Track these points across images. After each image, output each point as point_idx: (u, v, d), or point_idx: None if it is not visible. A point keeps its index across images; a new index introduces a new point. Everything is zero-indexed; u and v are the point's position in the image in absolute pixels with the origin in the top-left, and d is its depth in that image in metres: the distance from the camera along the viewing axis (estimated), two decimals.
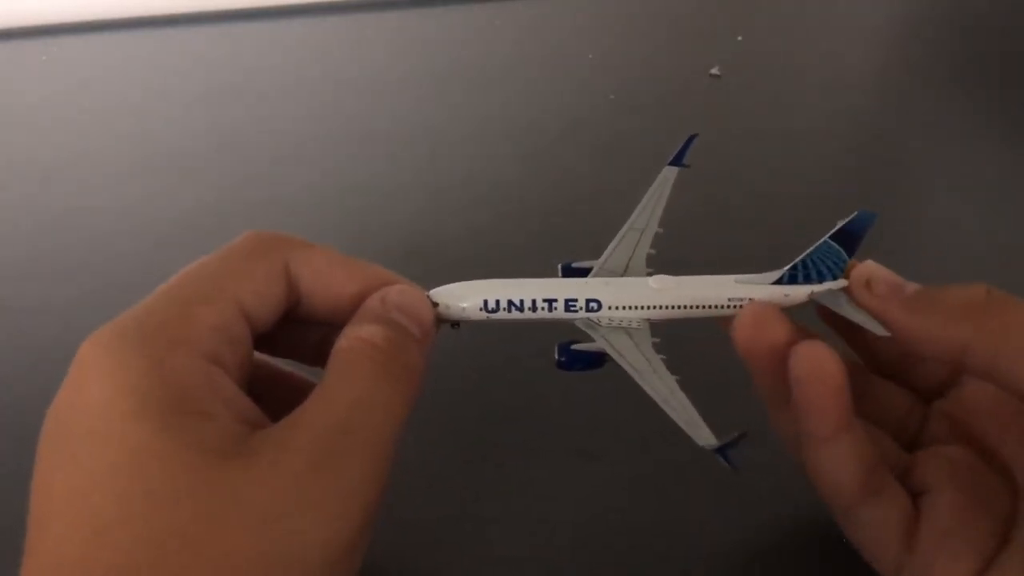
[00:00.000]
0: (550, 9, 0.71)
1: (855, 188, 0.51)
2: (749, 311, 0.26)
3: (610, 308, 0.28)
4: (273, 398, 0.23)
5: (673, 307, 0.29)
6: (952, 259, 0.44)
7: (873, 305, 0.27)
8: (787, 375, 0.25)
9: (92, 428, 0.20)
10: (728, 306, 0.28)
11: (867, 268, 0.27)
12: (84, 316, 0.22)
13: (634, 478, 0.34)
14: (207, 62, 0.66)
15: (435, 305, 0.28)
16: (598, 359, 0.28)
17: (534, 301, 0.28)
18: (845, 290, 0.28)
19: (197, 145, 0.56)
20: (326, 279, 0.26)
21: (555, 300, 0.28)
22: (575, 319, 0.29)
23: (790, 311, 0.28)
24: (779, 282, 0.29)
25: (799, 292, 0.28)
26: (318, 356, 0.24)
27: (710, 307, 0.29)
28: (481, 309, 0.28)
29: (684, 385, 0.27)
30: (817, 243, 0.28)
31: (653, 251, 0.30)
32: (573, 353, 0.28)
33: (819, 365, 0.24)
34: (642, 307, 0.28)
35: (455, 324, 0.29)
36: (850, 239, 0.27)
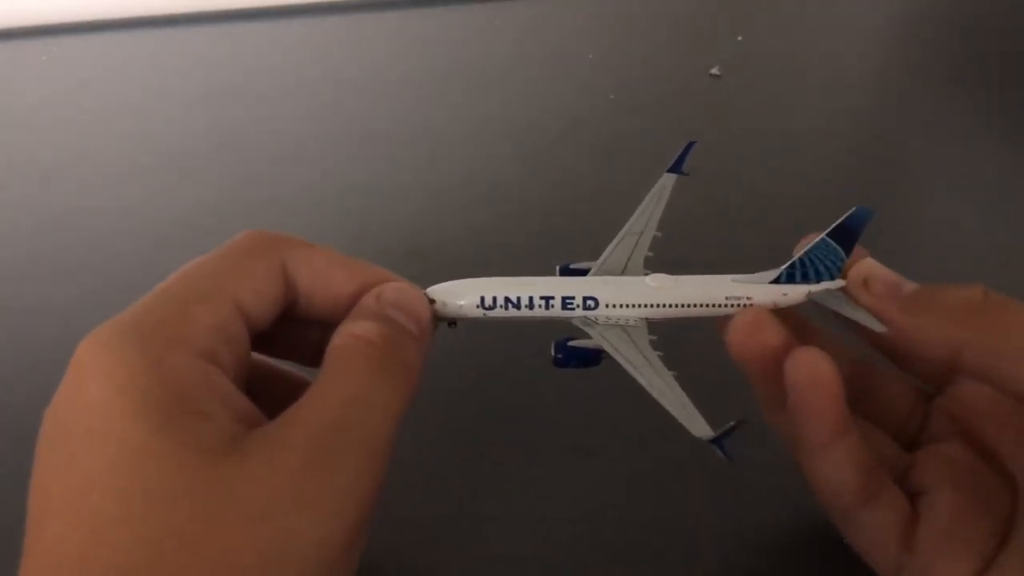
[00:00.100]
0: (550, 9, 0.71)
1: (855, 188, 0.51)
2: (744, 317, 0.26)
3: (607, 306, 0.28)
4: (272, 398, 0.23)
5: (670, 305, 0.29)
6: (952, 259, 0.44)
7: (870, 304, 0.27)
8: (783, 380, 0.25)
9: (91, 427, 0.20)
10: (726, 305, 0.28)
11: (865, 267, 0.27)
12: (84, 316, 0.22)
13: (632, 475, 0.34)
14: (207, 62, 0.66)
15: (432, 302, 0.28)
16: (595, 356, 0.28)
17: (531, 298, 0.28)
18: (843, 289, 0.28)
19: (197, 145, 0.56)
20: (324, 278, 0.26)
21: (552, 297, 0.28)
22: (572, 317, 0.29)
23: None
24: (777, 281, 0.29)
25: (797, 291, 0.28)
26: (317, 356, 0.24)
27: (708, 306, 0.29)
28: (478, 306, 0.28)
29: (682, 384, 0.27)
30: (814, 241, 0.28)
31: (651, 254, 0.30)
32: (570, 350, 0.28)
33: (815, 373, 0.24)
34: (639, 305, 0.28)
35: (452, 323, 0.29)
36: (847, 236, 0.27)
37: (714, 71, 0.61)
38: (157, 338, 0.22)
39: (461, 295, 0.28)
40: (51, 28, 0.70)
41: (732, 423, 0.24)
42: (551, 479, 0.34)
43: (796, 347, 0.25)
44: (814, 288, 0.28)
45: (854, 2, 0.72)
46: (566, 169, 0.53)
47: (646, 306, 0.28)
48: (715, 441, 0.25)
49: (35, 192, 0.53)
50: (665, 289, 0.29)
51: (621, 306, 0.28)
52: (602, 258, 0.30)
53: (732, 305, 0.28)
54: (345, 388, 0.23)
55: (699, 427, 0.25)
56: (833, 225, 0.27)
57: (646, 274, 0.30)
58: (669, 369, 0.27)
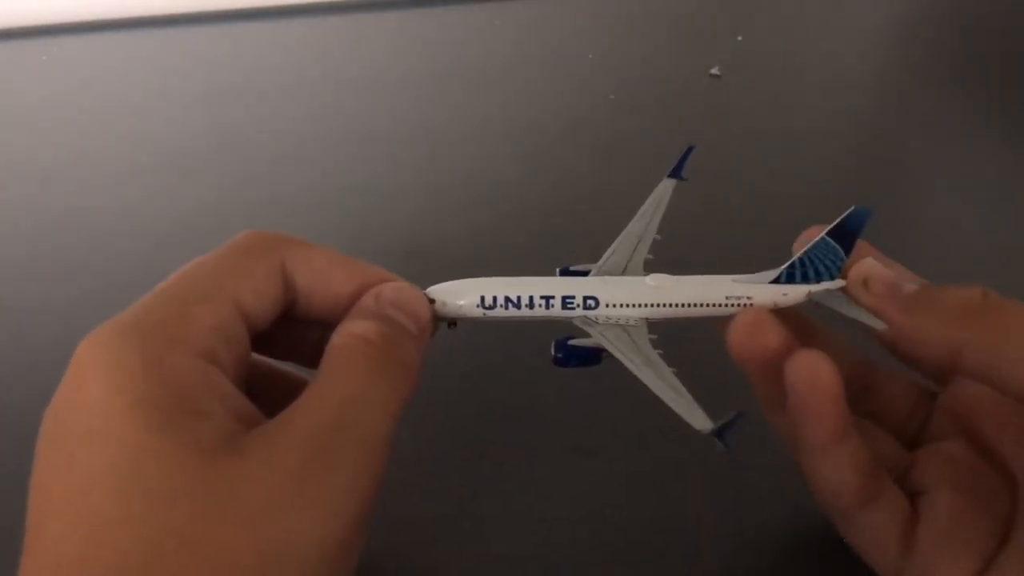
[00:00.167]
0: (550, 9, 0.71)
1: (855, 188, 0.51)
2: (743, 317, 0.26)
3: (608, 306, 0.28)
4: (272, 398, 0.23)
5: (670, 305, 0.29)
6: (952, 259, 0.44)
7: (870, 305, 0.27)
8: (783, 380, 0.25)
9: (90, 427, 0.20)
10: (726, 304, 0.28)
11: (864, 267, 0.27)
12: (84, 316, 0.22)
13: (631, 475, 0.34)
14: (207, 62, 0.66)
15: (432, 302, 0.28)
16: (595, 355, 0.28)
17: (531, 298, 0.28)
18: (843, 289, 0.28)
19: (197, 145, 0.56)
20: (323, 278, 0.26)
21: (552, 297, 0.28)
22: (572, 317, 0.28)
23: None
24: (777, 281, 0.29)
25: (797, 292, 0.28)
26: (317, 357, 0.24)
27: (708, 306, 0.29)
28: (478, 306, 0.28)
29: (683, 381, 0.27)
30: (814, 240, 0.28)
31: (651, 256, 0.30)
32: (570, 349, 0.28)
33: (815, 375, 0.24)
34: (639, 305, 0.28)
35: (452, 324, 0.29)
36: (847, 236, 0.27)
37: (714, 71, 0.61)
38: (157, 338, 0.22)
39: (461, 295, 0.28)
40: (51, 28, 0.69)
41: (733, 414, 0.24)
42: (551, 479, 0.34)
43: (797, 349, 0.25)
44: (814, 288, 0.28)
45: (854, 2, 0.72)
46: (566, 169, 0.53)
47: (646, 306, 0.28)
48: (716, 434, 0.25)
49: (35, 192, 0.53)
50: (665, 289, 0.29)
51: (621, 306, 0.28)
52: (602, 260, 0.30)
53: (732, 305, 0.28)
54: (344, 387, 0.23)
55: (699, 420, 0.25)
56: (832, 225, 0.27)
57: (646, 275, 0.30)
58: (669, 366, 0.27)
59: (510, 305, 0.28)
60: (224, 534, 0.19)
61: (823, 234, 0.27)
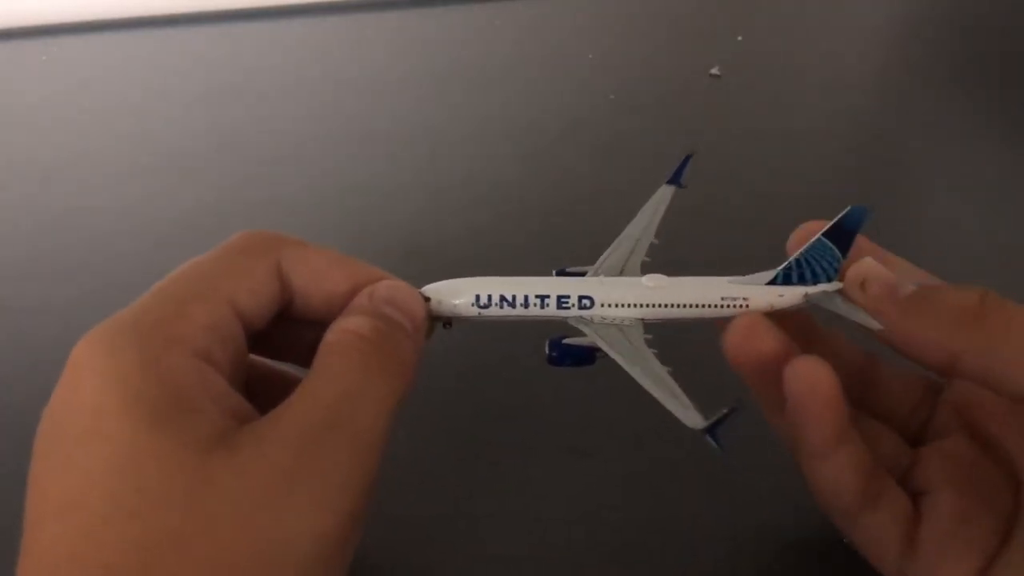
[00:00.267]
0: (550, 9, 0.71)
1: (855, 188, 0.51)
2: (739, 322, 0.26)
3: (603, 305, 0.28)
4: (271, 399, 0.23)
5: (666, 306, 0.28)
6: (952, 259, 0.44)
7: (868, 306, 0.27)
8: (781, 385, 0.25)
9: (86, 427, 0.20)
10: (722, 306, 0.28)
11: (862, 268, 0.27)
12: (84, 316, 0.22)
13: (627, 475, 0.34)
14: (207, 62, 0.66)
15: (427, 300, 0.28)
16: (589, 354, 0.28)
17: (526, 297, 0.28)
18: (840, 291, 0.28)
19: (197, 145, 0.56)
20: (319, 277, 0.26)
21: (548, 296, 0.28)
22: (568, 316, 0.28)
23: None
24: (773, 282, 0.28)
25: (794, 293, 0.28)
26: (314, 357, 0.24)
27: (704, 306, 0.28)
28: (473, 305, 0.28)
29: (678, 382, 0.26)
30: (810, 241, 0.27)
31: (648, 259, 0.30)
32: (564, 348, 0.28)
33: (814, 381, 0.24)
34: (635, 305, 0.28)
35: (447, 323, 0.29)
36: (844, 236, 0.27)
37: (714, 71, 0.61)
38: (153, 338, 0.22)
39: (456, 293, 0.28)
40: (51, 28, 0.69)
41: (724, 411, 0.24)
42: (547, 479, 0.34)
43: (794, 353, 0.25)
44: (811, 290, 0.28)
45: (854, 2, 0.72)
46: (566, 169, 0.53)
47: (642, 306, 0.28)
48: (708, 431, 0.24)
49: (35, 192, 0.53)
50: (661, 289, 0.28)
51: (617, 306, 0.28)
52: (598, 263, 0.30)
53: (728, 306, 0.28)
54: (337, 382, 0.23)
55: (692, 418, 0.25)
56: (828, 225, 0.27)
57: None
58: (664, 366, 0.27)
59: (505, 304, 0.28)
60: (218, 531, 0.19)
61: (819, 235, 0.27)
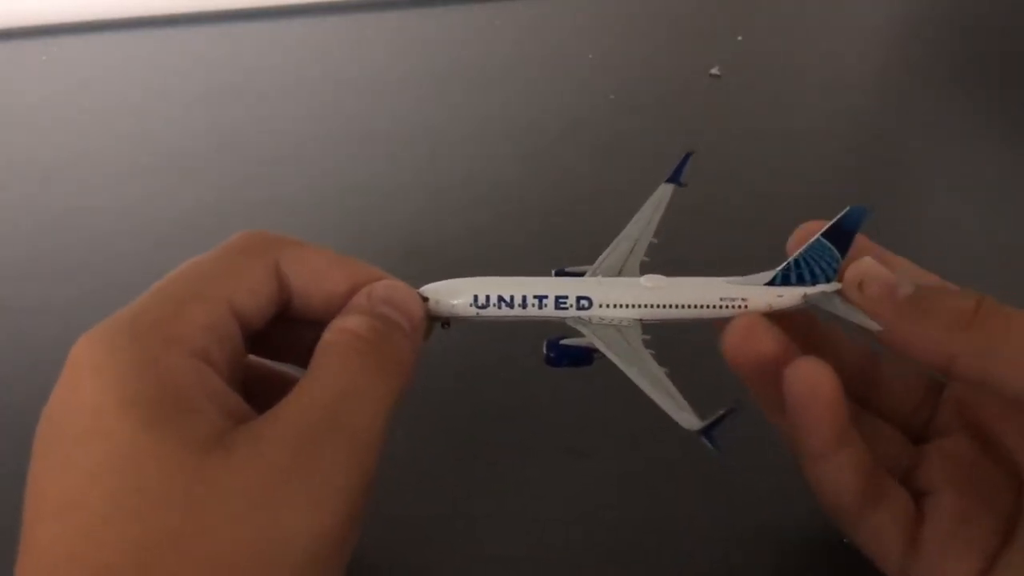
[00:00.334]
0: (550, 9, 0.71)
1: (855, 188, 0.51)
2: (737, 323, 0.26)
3: (601, 306, 0.28)
4: (270, 400, 0.23)
5: (665, 306, 0.28)
6: (952, 259, 0.44)
7: (865, 307, 0.27)
8: (780, 386, 0.25)
9: (84, 426, 0.20)
10: (721, 306, 0.28)
11: (860, 268, 0.27)
12: (84, 316, 0.23)
13: (624, 475, 0.34)
14: (207, 62, 0.66)
15: (425, 300, 0.28)
16: (587, 355, 0.28)
17: (524, 297, 0.28)
18: (839, 292, 0.28)
19: (197, 145, 0.56)
20: (318, 277, 0.26)
21: (546, 297, 0.28)
22: (565, 317, 0.28)
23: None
24: (772, 283, 0.28)
25: (793, 293, 0.28)
26: None
27: (702, 307, 0.28)
28: (471, 305, 0.28)
29: (676, 384, 0.26)
30: (809, 242, 0.27)
31: (647, 259, 0.30)
32: (562, 348, 0.28)
33: (814, 384, 0.24)
34: (633, 306, 0.28)
35: (445, 324, 0.29)
36: (843, 236, 0.27)
37: (714, 71, 0.61)
38: (151, 337, 0.22)
39: (454, 294, 0.28)
40: (51, 28, 0.69)
41: (720, 412, 0.24)
42: (544, 479, 0.34)
43: (794, 354, 0.25)
44: (810, 290, 0.28)
45: (854, 2, 0.72)
46: (566, 169, 0.53)
47: (640, 306, 0.28)
48: (704, 432, 0.24)
49: (35, 192, 0.53)
50: (659, 289, 0.28)
51: (615, 306, 0.28)
52: (597, 263, 0.30)
53: (727, 307, 0.28)
54: (334, 381, 0.23)
55: (688, 419, 0.25)
56: (827, 225, 0.27)
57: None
58: (661, 367, 0.27)
59: (503, 304, 0.28)
60: (217, 530, 0.19)
61: (818, 235, 0.27)
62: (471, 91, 0.61)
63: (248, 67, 0.66)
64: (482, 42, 0.68)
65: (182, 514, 0.19)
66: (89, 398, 0.20)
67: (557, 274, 0.30)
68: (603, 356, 0.28)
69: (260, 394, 0.24)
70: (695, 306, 0.28)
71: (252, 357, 0.26)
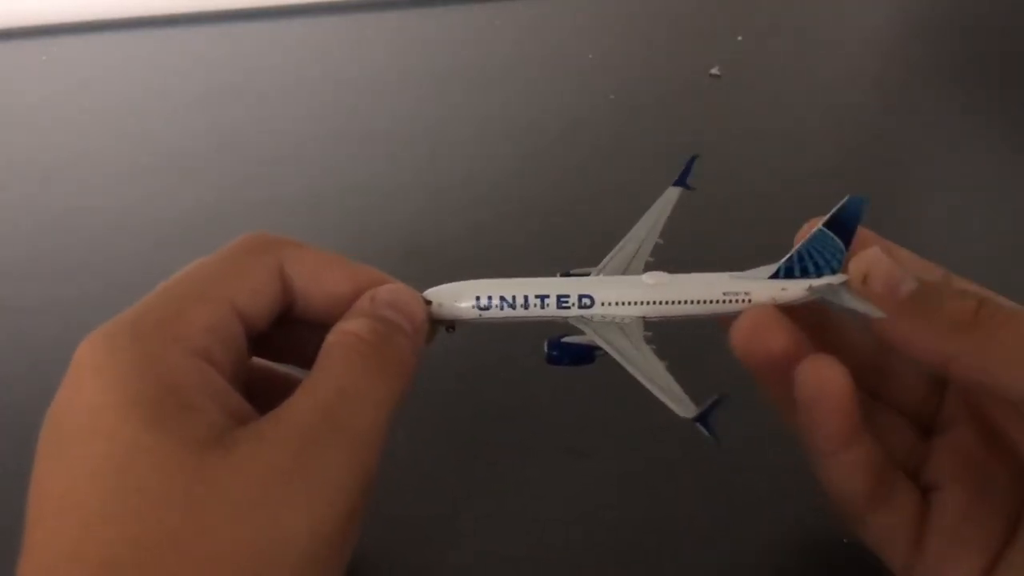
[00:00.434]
0: (550, 9, 0.71)
1: (855, 188, 0.50)
2: (747, 316, 0.26)
3: (603, 304, 0.28)
4: (273, 401, 0.23)
5: (668, 302, 0.28)
6: (952, 259, 0.44)
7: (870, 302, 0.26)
8: (791, 380, 0.25)
9: (85, 426, 0.20)
10: (724, 301, 0.28)
11: (866, 260, 0.26)
12: (84, 316, 0.23)
13: (624, 475, 0.34)
14: (207, 62, 0.66)
15: (428, 303, 0.28)
16: (588, 353, 0.28)
17: (526, 297, 0.28)
18: (845, 284, 0.27)
19: (197, 145, 0.56)
20: (320, 279, 0.26)
21: (548, 296, 0.28)
22: (568, 316, 0.28)
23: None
24: (775, 276, 0.28)
25: (797, 286, 0.28)
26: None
27: (706, 302, 0.28)
28: (474, 307, 0.28)
29: (681, 380, 0.26)
30: (811, 233, 0.27)
31: (652, 259, 0.30)
32: (563, 347, 0.28)
33: (826, 383, 0.24)
34: (636, 303, 0.28)
35: (450, 327, 0.29)
36: (844, 227, 0.27)
37: (714, 71, 0.61)
38: (155, 337, 0.22)
39: (457, 296, 0.28)
40: (51, 28, 0.70)
41: (714, 397, 0.24)
42: (544, 480, 0.34)
43: (805, 349, 0.25)
44: (815, 282, 0.28)
45: (854, 2, 0.72)
46: (566, 169, 0.53)
47: (643, 304, 0.28)
48: (699, 419, 0.24)
49: (35, 192, 0.53)
50: (662, 286, 0.28)
51: (617, 304, 0.28)
52: (602, 264, 0.30)
53: (730, 301, 0.28)
54: (336, 382, 0.23)
55: (685, 408, 0.25)
56: (827, 217, 0.27)
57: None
58: (661, 360, 0.27)
59: (505, 305, 0.28)
60: (217, 530, 0.19)
61: (820, 226, 0.27)
62: (471, 91, 0.61)
63: (248, 67, 0.66)
64: (482, 42, 0.68)
65: (182, 513, 0.19)
66: (90, 398, 0.21)
67: (562, 276, 0.30)
68: (604, 355, 0.28)
69: (263, 396, 0.24)
70: (698, 302, 0.28)
71: (256, 359, 0.26)
